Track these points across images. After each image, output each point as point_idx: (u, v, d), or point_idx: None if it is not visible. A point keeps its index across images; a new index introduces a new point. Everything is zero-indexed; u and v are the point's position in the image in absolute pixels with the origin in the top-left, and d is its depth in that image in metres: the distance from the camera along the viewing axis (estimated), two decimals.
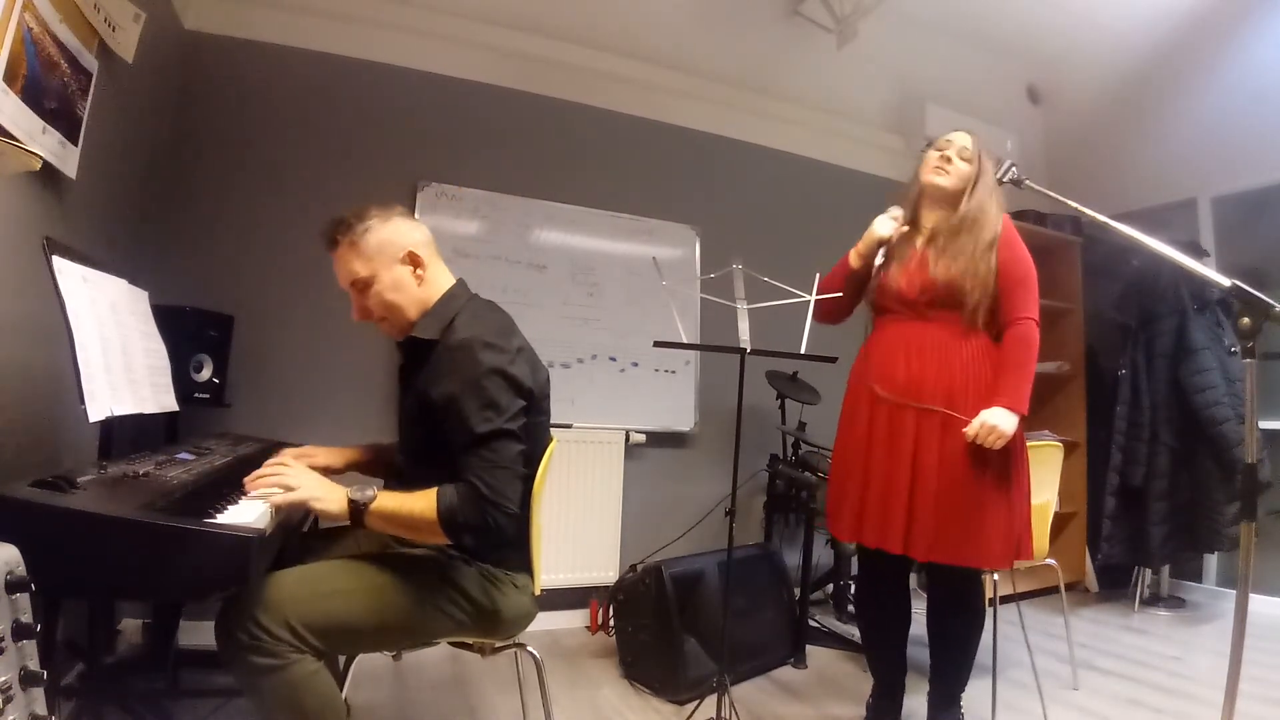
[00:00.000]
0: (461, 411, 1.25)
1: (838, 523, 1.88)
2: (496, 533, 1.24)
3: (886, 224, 1.86)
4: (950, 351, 1.75)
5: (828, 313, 1.97)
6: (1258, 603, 2.52)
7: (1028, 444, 1.83)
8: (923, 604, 1.97)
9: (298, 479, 1.24)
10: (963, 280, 1.72)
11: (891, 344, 1.82)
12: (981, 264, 1.73)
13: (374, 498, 1.23)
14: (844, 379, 1.97)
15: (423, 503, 1.23)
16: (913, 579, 2.14)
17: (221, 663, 1.17)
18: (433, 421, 1.30)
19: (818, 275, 1.96)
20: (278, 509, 1.20)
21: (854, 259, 1.91)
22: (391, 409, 2.69)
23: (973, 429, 1.63)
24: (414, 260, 1.39)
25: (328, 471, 1.50)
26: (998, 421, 1.61)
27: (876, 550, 1.78)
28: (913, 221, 1.90)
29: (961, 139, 1.84)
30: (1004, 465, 1.72)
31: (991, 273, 1.74)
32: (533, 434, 1.36)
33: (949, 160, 1.82)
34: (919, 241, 1.86)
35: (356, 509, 1.22)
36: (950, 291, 1.74)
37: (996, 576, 2.07)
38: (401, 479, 1.46)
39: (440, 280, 1.44)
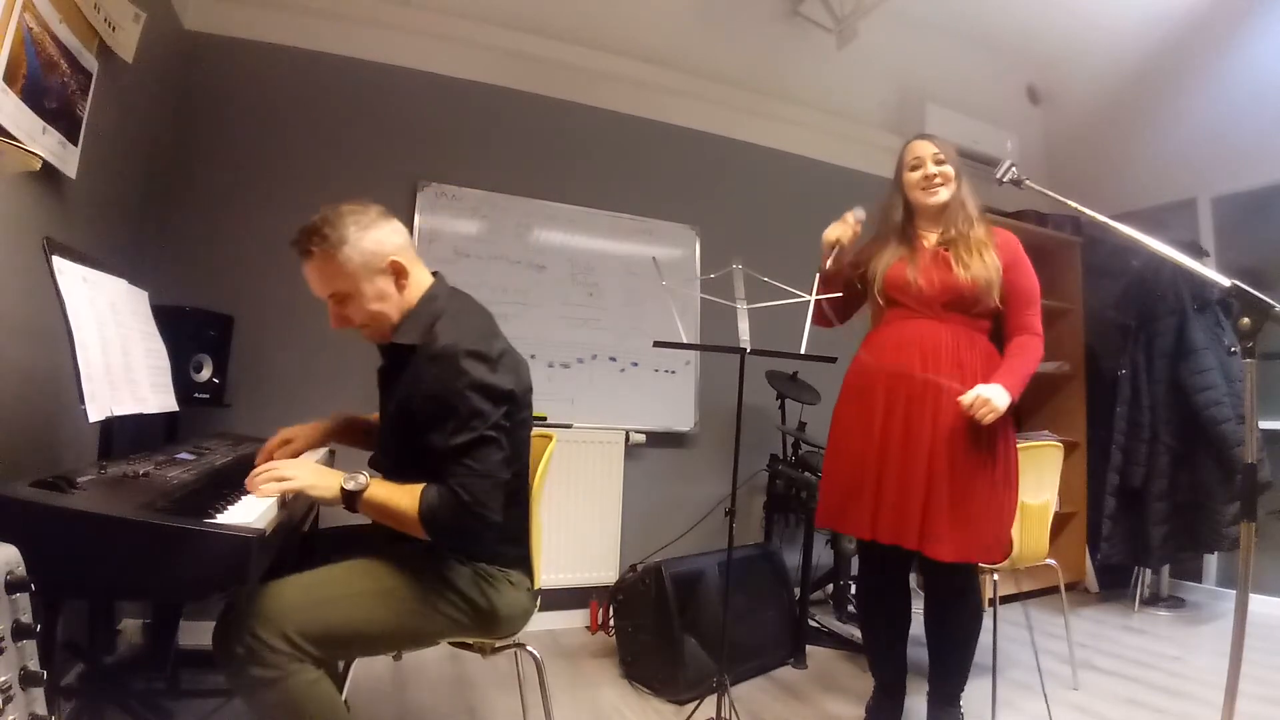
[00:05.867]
0: (444, 420, 1.26)
1: (841, 519, 1.87)
2: (473, 538, 1.30)
3: (834, 229, 1.89)
4: (963, 351, 1.79)
5: (827, 317, 1.98)
6: (1258, 603, 2.52)
7: (1028, 444, 1.86)
8: (921, 603, 1.97)
9: (294, 470, 1.27)
10: (985, 284, 1.77)
11: (905, 339, 1.82)
12: (991, 265, 1.79)
13: (366, 485, 1.26)
14: (844, 379, 1.96)
15: (408, 499, 1.26)
16: (911, 578, 2.14)
17: (221, 677, 1.18)
18: (414, 429, 1.31)
19: (817, 276, 1.96)
20: (284, 503, 1.22)
21: (822, 264, 1.93)
22: None
23: (968, 398, 1.65)
24: (397, 269, 1.36)
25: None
26: (992, 395, 1.65)
27: (879, 548, 1.79)
28: (906, 224, 1.91)
29: (924, 147, 1.87)
30: (1006, 463, 1.77)
31: (998, 272, 1.79)
32: (516, 433, 1.36)
33: (931, 176, 1.84)
34: (928, 242, 1.87)
35: (349, 496, 1.25)
36: (972, 294, 1.78)
37: (997, 576, 2.07)
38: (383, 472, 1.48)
39: (420, 280, 1.42)
